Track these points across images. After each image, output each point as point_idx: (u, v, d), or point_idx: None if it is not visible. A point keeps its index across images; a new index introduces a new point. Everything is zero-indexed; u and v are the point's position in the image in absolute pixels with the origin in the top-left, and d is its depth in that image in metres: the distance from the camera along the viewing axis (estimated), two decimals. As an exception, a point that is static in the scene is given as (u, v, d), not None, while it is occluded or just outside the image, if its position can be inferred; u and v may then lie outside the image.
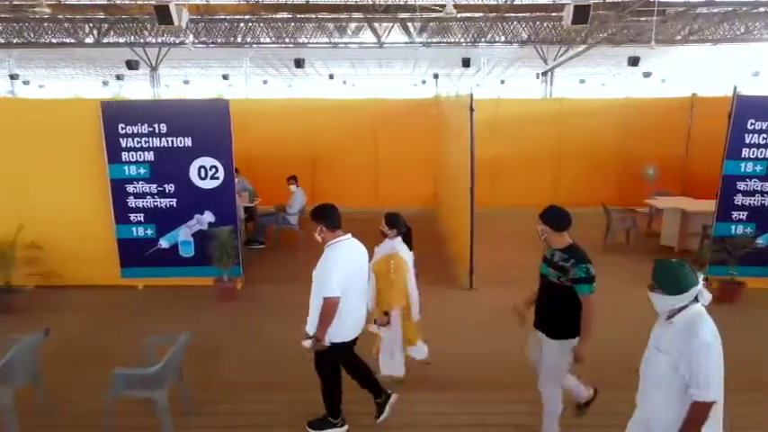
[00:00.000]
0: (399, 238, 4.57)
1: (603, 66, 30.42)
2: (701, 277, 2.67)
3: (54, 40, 19.93)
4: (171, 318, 6.54)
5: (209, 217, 7.19)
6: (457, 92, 16.06)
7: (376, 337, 4.65)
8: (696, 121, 11.11)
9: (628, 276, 7.71)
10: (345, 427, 4.21)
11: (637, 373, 3.27)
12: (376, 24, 18.96)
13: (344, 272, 3.81)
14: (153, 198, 7.15)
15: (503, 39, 20.13)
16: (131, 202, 7.16)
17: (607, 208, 8.84)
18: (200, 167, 7.07)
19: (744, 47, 21.86)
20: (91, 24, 18.65)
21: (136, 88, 37.75)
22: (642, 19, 17.34)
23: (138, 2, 14.24)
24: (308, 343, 3.93)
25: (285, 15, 17.96)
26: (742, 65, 28.07)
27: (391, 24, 18.99)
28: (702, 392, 2.54)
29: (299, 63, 23.54)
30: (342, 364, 4.17)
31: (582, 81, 38.66)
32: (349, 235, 3.98)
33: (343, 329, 3.93)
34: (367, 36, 20.14)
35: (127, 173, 7.09)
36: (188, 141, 7.00)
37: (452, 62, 28.62)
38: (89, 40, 19.43)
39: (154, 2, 12.05)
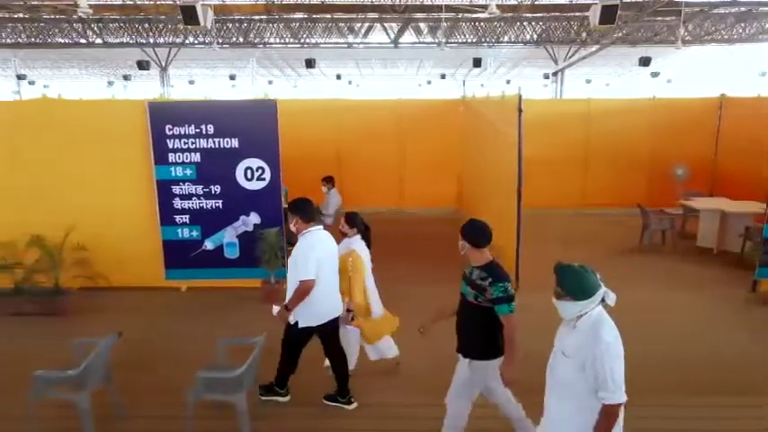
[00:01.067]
0: (358, 237, 4.76)
1: (608, 66, 30.45)
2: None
3: (66, 41, 19.87)
4: (222, 319, 6.52)
5: (254, 218, 7.16)
6: (488, 92, 16.05)
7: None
8: (725, 121, 11.12)
9: (668, 277, 7.72)
10: (288, 397, 4.61)
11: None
12: (385, 25, 18.95)
13: (318, 258, 4.10)
14: (199, 199, 7.12)
15: (513, 39, 20.12)
16: (177, 203, 7.13)
17: (644, 209, 8.83)
18: (247, 168, 7.05)
19: (753, 47, 21.88)
20: (101, 24, 18.58)
21: (139, 88, 37.66)
22: (659, 19, 17.40)
23: (160, 2, 14.17)
24: (275, 310, 4.29)
25: (300, 15, 17.94)
26: (750, 65, 28.11)
27: (402, 24, 18.97)
28: (611, 394, 2.53)
29: (309, 63, 23.50)
30: (324, 347, 4.51)
31: (588, 81, 38.70)
32: (320, 227, 4.29)
33: (310, 314, 4.22)
34: (375, 36, 20.08)
35: (173, 174, 7.06)
36: (235, 142, 6.98)
37: (457, 62, 28.64)
38: (99, 40, 19.38)
39: (180, 2, 12.00)
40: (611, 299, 2.65)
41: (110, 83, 39.75)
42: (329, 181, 9.42)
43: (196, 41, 19.12)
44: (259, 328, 5.79)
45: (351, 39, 20.21)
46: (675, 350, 5.58)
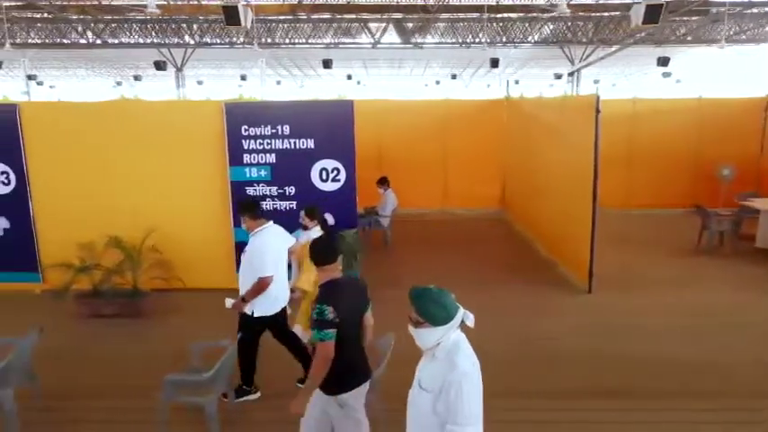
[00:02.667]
0: (318, 228, 5.21)
1: (616, 66, 30.45)
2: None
3: (83, 41, 19.76)
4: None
5: (329, 219, 7.12)
6: (541, 92, 15.98)
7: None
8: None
9: (736, 279, 7.72)
10: (258, 393, 4.69)
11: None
12: (404, 25, 18.92)
13: (272, 253, 4.38)
14: (273, 201, 7.09)
15: (531, 39, 20.12)
16: (251, 204, 7.07)
17: (704, 210, 8.84)
18: (322, 169, 7.02)
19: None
20: (114, 25, 18.49)
21: (149, 89, 37.50)
22: (685, 18, 17.44)
23: (204, 2, 14.13)
24: (229, 302, 4.47)
25: (321, 16, 17.90)
26: (759, 65, 28.12)
27: (422, 24, 18.94)
28: (461, 428, 2.26)
29: (326, 64, 23.55)
30: (274, 336, 4.68)
31: (596, 81, 38.75)
32: (271, 222, 4.54)
33: (270, 303, 4.46)
34: (389, 37, 20.04)
35: (248, 175, 7.03)
36: (311, 143, 6.95)
37: (464, 63, 28.64)
38: (112, 40, 19.31)
39: (222, 2, 11.97)
40: (470, 320, 2.41)
41: (118, 83, 39.61)
42: (384, 182, 9.42)
43: (217, 42, 19.03)
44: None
45: (367, 39, 20.17)
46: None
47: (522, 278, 7.80)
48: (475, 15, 17.96)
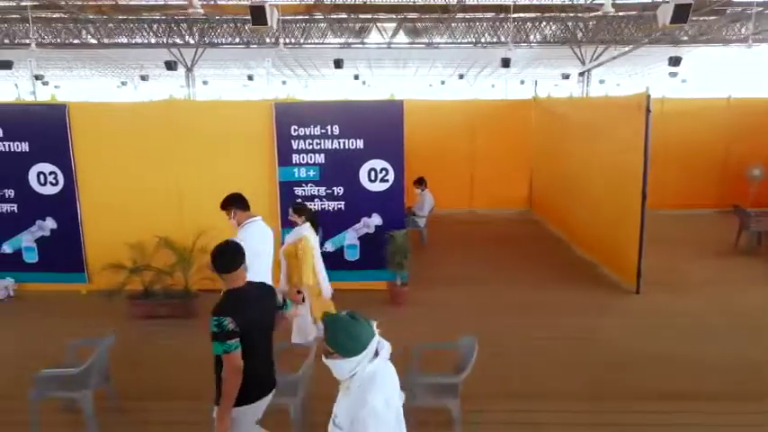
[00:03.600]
0: (307, 224, 5.17)
1: (623, 66, 30.44)
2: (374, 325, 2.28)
3: (94, 41, 19.72)
4: None
5: (376, 220, 7.13)
6: (586, 91, 15.88)
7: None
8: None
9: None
10: None
11: None
12: (417, 25, 18.91)
13: (256, 247, 4.30)
14: (321, 201, 7.07)
15: (535, 39, 20.11)
16: (299, 205, 7.05)
17: (743, 210, 8.84)
18: (371, 170, 7.00)
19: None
20: (128, 25, 18.45)
21: (150, 88, 37.39)
22: (702, 18, 17.45)
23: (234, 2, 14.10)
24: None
25: (339, 15, 17.88)
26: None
27: (435, 25, 18.94)
28: None
29: (338, 64, 23.61)
30: None
31: (601, 81, 38.75)
32: (259, 217, 4.59)
33: None
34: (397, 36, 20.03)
35: (296, 175, 7.01)
36: (360, 143, 6.93)
37: (469, 62, 28.61)
38: (123, 40, 19.29)
39: (248, 2, 11.95)
40: (386, 350, 2.27)
41: (123, 83, 39.50)
42: (422, 183, 9.41)
43: (226, 42, 19.02)
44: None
45: (379, 39, 20.16)
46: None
47: (563, 278, 7.79)
48: (489, 15, 17.98)
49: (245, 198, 4.62)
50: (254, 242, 4.31)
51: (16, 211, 7.06)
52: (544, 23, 19.87)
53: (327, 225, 7.13)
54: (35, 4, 15.97)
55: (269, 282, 4.46)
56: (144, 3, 17.31)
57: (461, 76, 34.47)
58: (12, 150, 6.90)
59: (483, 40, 20.30)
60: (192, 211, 6.95)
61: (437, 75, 35.82)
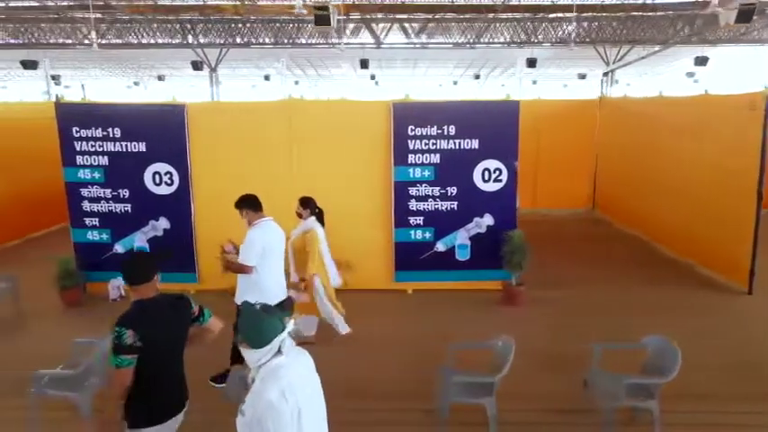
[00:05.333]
0: (313, 218, 5.43)
1: (638, 66, 30.52)
2: (290, 323, 2.36)
3: (118, 41, 19.58)
4: (454, 321, 6.52)
5: (488, 220, 7.16)
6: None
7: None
8: None
9: None
10: None
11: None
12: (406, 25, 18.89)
13: (268, 245, 4.51)
14: (434, 201, 7.10)
15: (557, 38, 20.11)
16: (413, 205, 7.10)
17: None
18: (485, 170, 7.04)
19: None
20: (154, 25, 18.36)
21: (161, 89, 37.16)
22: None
23: (292, 2, 14.08)
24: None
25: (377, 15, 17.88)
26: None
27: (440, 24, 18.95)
28: None
29: (364, 64, 23.68)
30: None
31: (616, 81, 38.88)
32: (270, 218, 4.65)
33: (263, 297, 4.37)
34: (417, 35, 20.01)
35: (411, 175, 7.04)
36: (475, 143, 6.96)
37: (480, 62, 28.67)
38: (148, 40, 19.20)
39: (312, 3, 11.97)
40: (286, 348, 2.32)
41: (135, 83, 39.29)
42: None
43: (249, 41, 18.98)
44: (484, 331, 5.75)
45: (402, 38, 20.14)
46: None
47: (661, 278, 7.84)
48: (516, 15, 17.99)
49: (257, 199, 4.70)
50: (263, 241, 4.51)
51: (130, 211, 7.04)
52: (566, 24, 19.87)
53: (440, 225, 7.19)
54: (73, 4, 15.91)
55: (278, 281, 4.74)
56: (182, 3, 17.24)
57: (477, 77, 34.51)
58: (129, 151, 6.89)
59: (501, 39, 20.23)
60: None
61: (447, 75, 35.87)
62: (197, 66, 23.26)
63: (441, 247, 7.22)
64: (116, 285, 7.02)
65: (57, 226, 10.92)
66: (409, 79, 36.61)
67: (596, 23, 19.37)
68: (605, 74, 26.58)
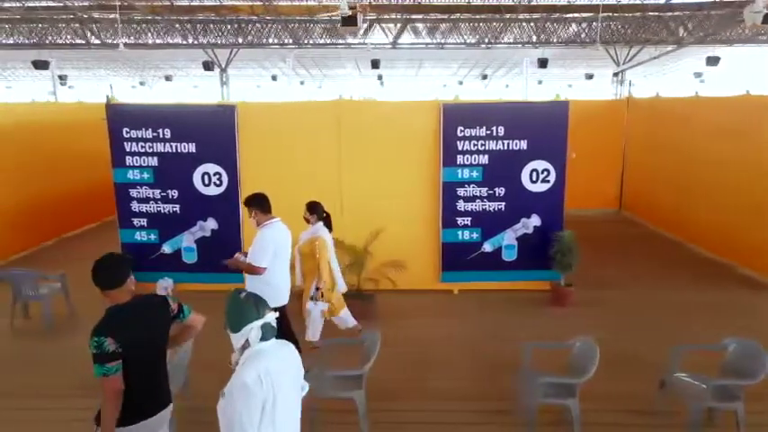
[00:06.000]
0: (320, 223, 5.36)
1: (640, 66, 30.49)
2: (269, 313, 2.46)
3: (128, 41, 19.54)
4: (501, 322, 6.54)
5: (535, 220, 7.17)
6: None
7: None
8: None
9: None
10: None
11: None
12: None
13: (279, 246, 4.60)
14: (482, 201, 7.11)
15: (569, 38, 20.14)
16: (460, 205, 7.11)
17: None
18: (533, 171, 7.05)
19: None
20: (162, 26, 18.34)
21: (166, 89, 37.15)
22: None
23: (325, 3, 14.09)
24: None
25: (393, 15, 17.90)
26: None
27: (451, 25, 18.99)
28: None
29: (375, 64, 23.75)
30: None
31: (630, 84, 38.92)
32: (278, 218, 4.69)
33: (276, 296, 4.54)
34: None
35: (459, 176, 7.04)
36: (523, 144, 6.97)
37: (484, 63, 28.71)
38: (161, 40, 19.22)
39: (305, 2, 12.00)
40: (253, 338, 2.39)
41: (141, 83, 39.23)
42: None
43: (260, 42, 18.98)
44: (540, 332, 5.73)
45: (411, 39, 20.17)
46: None
47: (705, 278, 7.86)
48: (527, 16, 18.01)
49: (268, 199, 4.72)
50: (275, 243, 4.59)
51: (179, 211, 7.03)
52: (575, 24, 19.89)
53: (487, 225, 7.20)
54: (92, 4, 15.89)
55: (287, 279, 4.83)
56: (198, 3, 17.23)
57: (485, 77, 34.55)
58: (179, 151, 6.88)
59: (514, 39, 20.26)
60: (355, 211, 6.99)
61: (452, 75, 35.88)
62: (208, 66, 23.26)
63: (488, 247, 7.23)
64: (164, 286, 7.01)
65: (88, 226, 10.93)
66: (413, 79, 36.68)
67: (612, 24, 19.38)
68: (615, 74, 26.63)
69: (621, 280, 7.88)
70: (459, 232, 7.19)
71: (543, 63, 24.07)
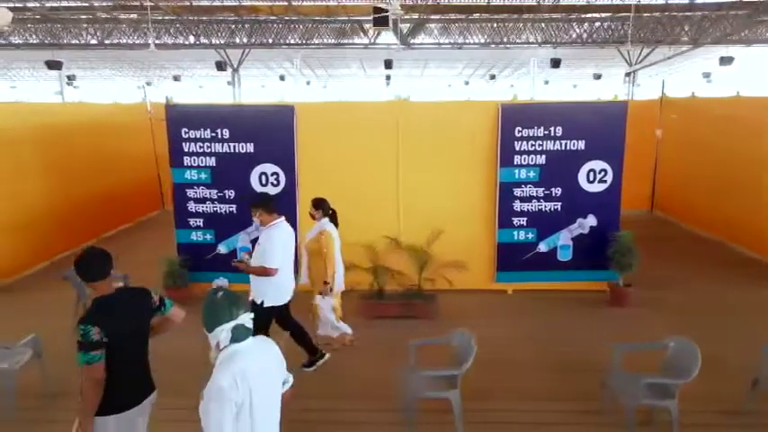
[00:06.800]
0: (326, 219, 5.37)
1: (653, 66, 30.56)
2: (244, 315, 2.48)
3: (139, 41, 19.51)
4: (596, 323, 6.52)
5: (591, 221, 7.17)
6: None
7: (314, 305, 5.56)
8: None
9: None
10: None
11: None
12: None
13: (285, 245, 4.70)
14: (538, 202, 7.10)
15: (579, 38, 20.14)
16: (517, 206, 7.10)
17: None
18: (590, 171, 7.04)
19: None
20: (179, 26, 18.32)
21: (171, 89, 37.03)
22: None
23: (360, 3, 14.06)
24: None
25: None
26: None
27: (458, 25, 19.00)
28: None
29: (388, 64, 23.75)
30: (281, 326, 5.02)
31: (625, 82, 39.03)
32: (282, 218, 4.76)
33: (280, 294, 4.80)
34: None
35: (516, 176, 7.04)
36: (581, 144, 6.97)
37: (490, 62, 28.73)
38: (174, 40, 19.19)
39: (373, 3, 11.97)
40: (223, 340, 2.43)
41: (148, 83, 39.10)
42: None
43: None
44: (608, 333, 5.64)
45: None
46: None
47: (758, 279, 7.87)
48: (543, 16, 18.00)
49: (272, 200, 4.83)
50: (282, 242, 4.68)
51: (235, 211, 7.01)
52: (587, 24, 19.90)
53: (542, 226, 7.19)
54: (109, 4, 15.85)
55: (291, 278, 4.95)
56: (218, 4, 17.18)
57: (493, 77, 34.58)
58: (237, 152, 6.85)
59: (530, 39, 20.29)
60: (411, 211, 6.99)
61: (456, 75, 35.89)
62: (221, 66, 23.26)
63: (543, 247, 7.22)
64: (219, 285, 6.96)
65: (123, 226, 10.90)
66: (417, 79, 36.68)
67: (625, 24, 19.37)
68: (627, 74, 26.65)
69: (675, 279, 7.88)
70: (515, 232, 7.18)
71: (556, 63, 24.04)
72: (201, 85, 38.92)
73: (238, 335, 2.44)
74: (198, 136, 6.80)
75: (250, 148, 6.86)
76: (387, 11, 11.86)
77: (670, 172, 11.57)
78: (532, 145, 6.96)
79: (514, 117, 6.90)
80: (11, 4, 13.18)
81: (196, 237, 7.09)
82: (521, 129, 6.91)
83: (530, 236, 7.20)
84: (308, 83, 38.70)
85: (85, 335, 2.69)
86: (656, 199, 12.09)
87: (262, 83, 36.70)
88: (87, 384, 2.74)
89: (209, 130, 6.78)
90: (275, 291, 4.79)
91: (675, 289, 7.55)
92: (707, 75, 31.59)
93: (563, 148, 6.98)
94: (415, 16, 18.10)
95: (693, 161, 10.55)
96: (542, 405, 4.70)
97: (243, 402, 2.32)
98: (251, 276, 4.77)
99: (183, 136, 6.79)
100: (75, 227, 9.09)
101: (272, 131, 6.85)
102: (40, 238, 8.27)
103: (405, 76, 34.61)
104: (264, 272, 4.58)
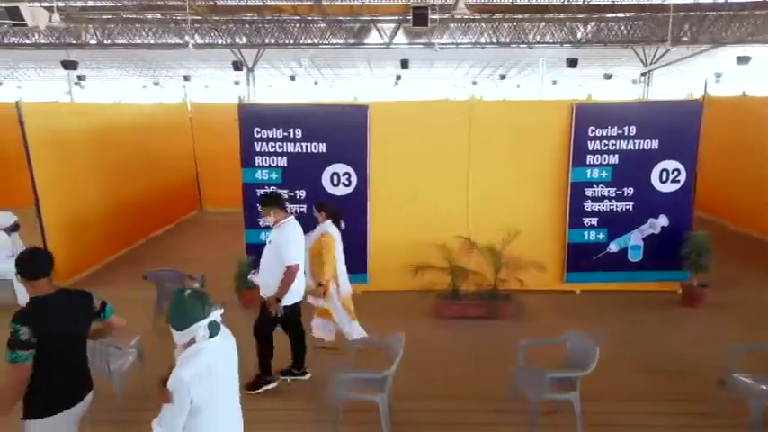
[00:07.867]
0: (329, 221, 5.26)
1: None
2: (215, 311, 2.52)
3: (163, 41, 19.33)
4: (678, 324, 6.47)
5: (663, 221, 7.11)
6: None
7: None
8: None
9: None
10: (276, 383, 4.85)
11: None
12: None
13: (298, 244, 4.63)
14: (610, 202, 7.05)
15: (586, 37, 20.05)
16: (588, 206, 7.05)
17: None
18: (663, 170, 6.99)
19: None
20: (197, 26, 18.17)
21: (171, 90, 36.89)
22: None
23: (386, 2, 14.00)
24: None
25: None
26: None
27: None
28: (156, 428, 2.38)
29: (404, 64, 23.75)
30: (284, 326, 4.87)
31: (633, 81, 39.12)
32: (292, 216, 4.74)
33: (290, 293, 4.61)
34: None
35: (588, 176, 6.98)
36: (654, 144, 6.92)
37: (496, 63, 28.72)
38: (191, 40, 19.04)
39: (412, 3, 11.91)
40: (200, 337, 2.46)
41: (155, 83, 38.97)
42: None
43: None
44: (694, 335, 5.56)
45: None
46: None
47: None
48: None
49: (281, 198, 4.82)
50: (298, 238, 4.66)
51: (305, 211, 6.89)
52: (603, 23, 19.86)
53: (613, 226, 7.13)
54: (134, 4, 15.70)
55: (302, 277, 4.83)
56: (242, 4, 17.06)
57: (503, 77, 34.54)
58: (309, 151, 6.77)
59: (531, 39, 20.21)
60: (482, 211, 6.93)
61: (463, 76, 35.84)
62: (237, 66, 23.17)
63: (614, 248, 7.16)
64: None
65: (167, 226, 10.79)
66: (423, 79, 36.62)
67: (642, 23, 19.36)
68: (643, 74, 26.62)
69: (744, 279, 7.82)
70: (586, 233, 7.13)
71: (573, 63, 23.96)
72: (207, 85, 38.78)
73: (213, 330, 2.48)
74: (270, 135, 6.71)
75: (322, 147, 6.78)
76: (426, 9, 11.80)
77: (714, 172, 11.50)
78: (605, 144, 6.90)
79: (588, 116, 6.84)
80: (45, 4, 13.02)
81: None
82: (594, 128, 6.85)
83: (600, 236, 7.14)
84: (315, 83, 38.63)
85: (15, 333, 2.67)
86: (699, 199, 12.01)
87: (269, 83, 36.52)
88: (10, 383, 2.72)
89: (281, 129, 6.70)
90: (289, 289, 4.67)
91: (750, 289, 7.50)
92: (718, 75, 31.60)
93: (636, 147, 6.92)
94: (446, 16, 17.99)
95: (742, 161, 10.52)
96: (656, 407, 4.63)
97: (204, 396, 2.38)
98: (261, 273, 4.71)
99: (255, 135, 6.70)
100: (126, 228, 8.98)
101: (345, 131, 6.77)
102: (96, 239, 8.16)
103: (411, 75, 34.56)
104: (290, 275, 4.47)
